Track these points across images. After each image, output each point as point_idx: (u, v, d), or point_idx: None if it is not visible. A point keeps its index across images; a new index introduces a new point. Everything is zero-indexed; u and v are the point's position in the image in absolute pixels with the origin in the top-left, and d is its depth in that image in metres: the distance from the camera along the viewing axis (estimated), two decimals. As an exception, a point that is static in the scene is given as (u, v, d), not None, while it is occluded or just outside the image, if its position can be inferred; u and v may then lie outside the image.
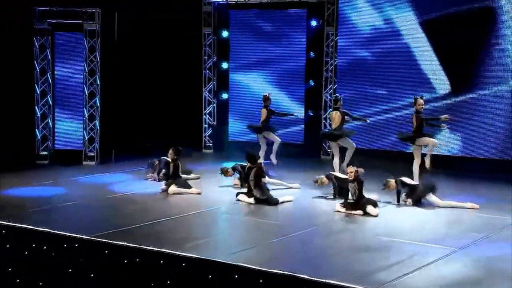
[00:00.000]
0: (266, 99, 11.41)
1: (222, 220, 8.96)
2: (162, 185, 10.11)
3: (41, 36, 12.61)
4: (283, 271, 6.22)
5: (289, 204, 9.44)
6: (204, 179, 11.15)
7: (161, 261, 6.71)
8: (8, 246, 7.49)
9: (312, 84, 13.94)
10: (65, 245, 7.24)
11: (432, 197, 9.18)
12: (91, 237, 7.31)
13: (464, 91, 12.19)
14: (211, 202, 9.49)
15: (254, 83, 14.21)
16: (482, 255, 7.09)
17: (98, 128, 12.78)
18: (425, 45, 12.47)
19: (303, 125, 13.89)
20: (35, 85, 12.65)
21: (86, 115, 12.75)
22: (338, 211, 8.86)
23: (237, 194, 9.62)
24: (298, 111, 13.88)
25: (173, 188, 9.95)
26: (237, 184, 10.46)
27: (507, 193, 9.97)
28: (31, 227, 7.66)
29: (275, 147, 11.40)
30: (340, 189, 9.43)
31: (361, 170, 8.96)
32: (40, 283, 7.23)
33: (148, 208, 9.12)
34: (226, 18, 14.35)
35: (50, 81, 12.77)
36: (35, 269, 7.34)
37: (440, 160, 11.25)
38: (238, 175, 10.44)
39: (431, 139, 9.87)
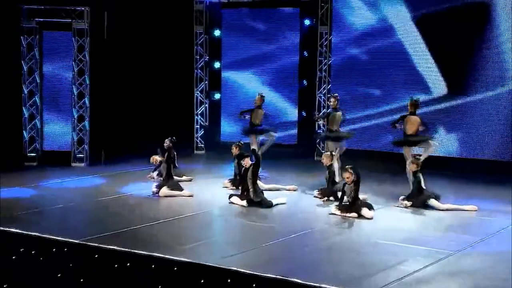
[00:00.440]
0: (262, 99, 11.43)
1: (214, 223, 8.98)
2: (153, 187, 10.11)
3: (29, 35, 12.58)
4: (276, 275, 6.24)
5: (283, 206, 9.47)
6: (196, 180, 11.16)
7: (152, 265, 6.72)
8: (-5, 250, 7.48)
9: (306, 84, 13.98)
10: (54, 250, 7.23)
11: (432, 202, 9.26)
12: (81, 241, 7.31)
13: (460, 91, 12.25)
14: (203, 205, 9.51)
15: (247, 83, 14.23)
16: (480, 258, 7.15)
17: (88, 129, 12.77)
18: (420, 43, 12.52)
19: (296, 126, 13.92)
20: (23, 85, 12.62)
21: (75, 115, 12.73)
22: (333, 213, 8.89)
23: (230, 196, 9.64)
24: (291, 111, 13.96)
25: (164, 190, 9.96)
26: (228, 186, 10.49)
27: (505, 195, 10.06)
28: (18, 231, 7.64)
29: (267, 142, 11.46)
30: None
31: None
32: (29, 288, 7.23)
33: (139, 210, 9.12)
34: (218, 16, 14.37)
35: (38, 81, 12.74)
36: (24, 274, 7.33)
37: (438, 161, 11.34)
38: (234, 174, 10.49)
39: (431, 142, 9.90)
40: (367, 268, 6.72)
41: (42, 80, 12.77)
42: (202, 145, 14.62)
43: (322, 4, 13.46)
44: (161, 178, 10.23)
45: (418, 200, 9.31)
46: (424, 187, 9.37)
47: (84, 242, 7.27)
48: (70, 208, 9.22)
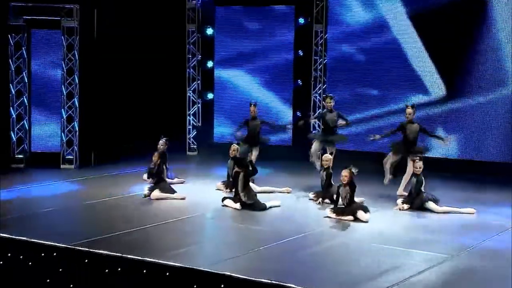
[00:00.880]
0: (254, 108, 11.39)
1: (207, 227, 8.98)
2: (145, 190, 10.11)
3: (16, 33, 12.54)
4: (271, 280, 6.25)
5: (277, 209, 9.49)
6: (189, 183, 11.17)
7: (144, 270, 6.72)
8: (-18, 255, 7.45)
9: (300, 83, 14.00)
10: (42, 254, 7.22)
11: (430, 205, 9.30)
12: (70, 245, 7.30)
13: (459, 91, 12.28)
14: (196, 208, 9.51)
15: (240, 83, 14.24)
16: (477, 262, 7.18)
17: (77, 130, 12.74)
18: (417, 42, 12.55)
19: (291, 126, 13.91)
20: (10, 84, 12.58)
21: (64, 116, 12.70)
22: (328, 216, 8.92)
23: (223, 199, 9.65)
24: (286, 112, 13.97)
25: (156, 193, 9.96)
26: (221, 189, 10.50)
27: (504, 197, 10.11)
28: (6, 235, 7.62)
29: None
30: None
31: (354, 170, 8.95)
32: (17, 294, 7.22)
33: (130, 214, 9.12)
34: (211, 14, 14.37)
35: (26, 81, 12.70)
36: (11, 280, 7.31)
37: (436, 163, 11.38)
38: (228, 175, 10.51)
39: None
40: (364, 272, 6.75)
41: (30, 80, 12.74)
42: (195, 146, 14.62)
43: (317, 2, 13.49)
44: (152, 180, 10.22)
45: (416, 203, 9.36)
46: (423, 190, 9.42)
47: (73, 247, 7.26)
48: (59, 212, 9.20)
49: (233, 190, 9.69)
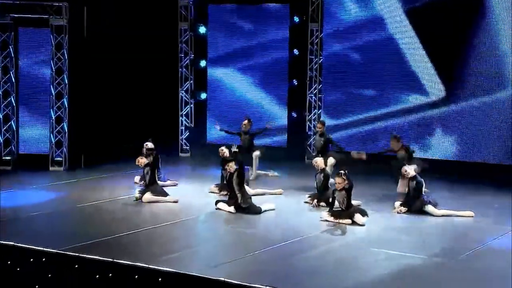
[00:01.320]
0: (250, 124, 11.73)
1: (200, 231, 8.99)
2: (136, 192, 10.10)
3: (3, 32, 12.51)
4: (266, 285, 6.27)
5: (272, 212, 9.50)
6: (181, 185, 11.17)
7: (136, 276, 6.72)
8: (-31, 260, 7.43)
9: (296, 83, 14.02)
10: (31, 260, 7.20)
11: (429, 208, 9.34)
12: (60, 250, 7.28)
13: (458, 92, 12.33)
14: (189, 211, 9.51)
15: (234, 83, 14.25)
16: (477, 265, 7.22)
17: (66, 131, 12.72)
18: (416, 42, 12.59)
19: (286, 128, 13.96)
20: (-3, 84, 12.58)
21: (53, 117, 12.68)
22: (325, 220, 8.93)
23: (217, 202, 9.65)
24: (281, 112, 13.99)
25: (148, 196, 9.95)
26: (214, 192, 10.50)
27: (503, 199, 10.16)
28: (-7, 240, 7.62)
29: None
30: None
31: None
32: (5, 301, 7.20)
33: (121, 218, 9.11)
34: (204, 12, 14.37)
35: (14, 81, 12.68)
36: (-1, 286, 7.31)
37: (435, 164, 11.42)
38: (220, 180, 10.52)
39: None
40: (360, 276, 6.77)
41: (18, 80, 12.71)
42: (188, 147, 14.62)
43: (313, 0, 13.51)
44: (144, 183, 10.21)
45: (415, 206, 9.39)
46: (424, 192, 9.46)
47: (63, 252, 7.25)
48: (48, 216, 9.18)
49: (227, 193, 9.70)
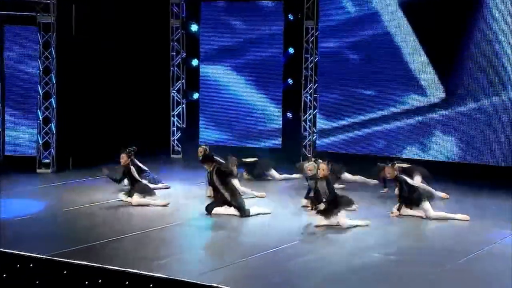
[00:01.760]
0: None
1: (192, 235, 8.97)
2: (121, 194, 10.08)
3: (-11, 30, 12.51)
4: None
5: (266, 216, 9.50)
6: (173, 187, 11.16)
7: (126, 282, 6.72)
8: (-47, 267, 7.40)
9: (291, 83, 14.04)
10: (18, 266, 7.18)
11: (426, 205, 9.33)
12: (48, 256, 7.27)
13: (458, 92, 12.37)
14: (180, 214, 9.52)
15: (227, 82, 14.24)
16: (475, 268, 7.25)
17: (54, 132, 12.69)
18: (415, 43, 12.62)
19: (280, 128, 13.96)
20: (-18, 84, 12.54)
21: (41, 117, 12.65)
22: (317, 225, 8.90)
23: (207, 208, 9.56)
24: (275, 112, 14.00)
25: (136, 199, 9.95)
26: (211, 195, 10.48)
27: (502, 202, 10.20)
28: (-22, 245, 7.60)
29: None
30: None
31: None
32: (-9, 308, 7.18)
33: (111, 222, 9.11)
34: (196, 10, 14.36)
35: (-1, 80, 12.66)
36: (-15, 292, 7.28)
37: (434, 165, 11.47)
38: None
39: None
40: (357, 281, 6.78)
41: (3, 79, 12.67)
42: (179, 148, 14.61)
43: (308, -3, 13.52)
44: (128, 183, 10.22)
45: (414, 200, 9.36)
46: (418, 187, 9.48)
47: (51, 257, 7.24)
48: (35, 220, 9.16)
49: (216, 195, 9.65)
